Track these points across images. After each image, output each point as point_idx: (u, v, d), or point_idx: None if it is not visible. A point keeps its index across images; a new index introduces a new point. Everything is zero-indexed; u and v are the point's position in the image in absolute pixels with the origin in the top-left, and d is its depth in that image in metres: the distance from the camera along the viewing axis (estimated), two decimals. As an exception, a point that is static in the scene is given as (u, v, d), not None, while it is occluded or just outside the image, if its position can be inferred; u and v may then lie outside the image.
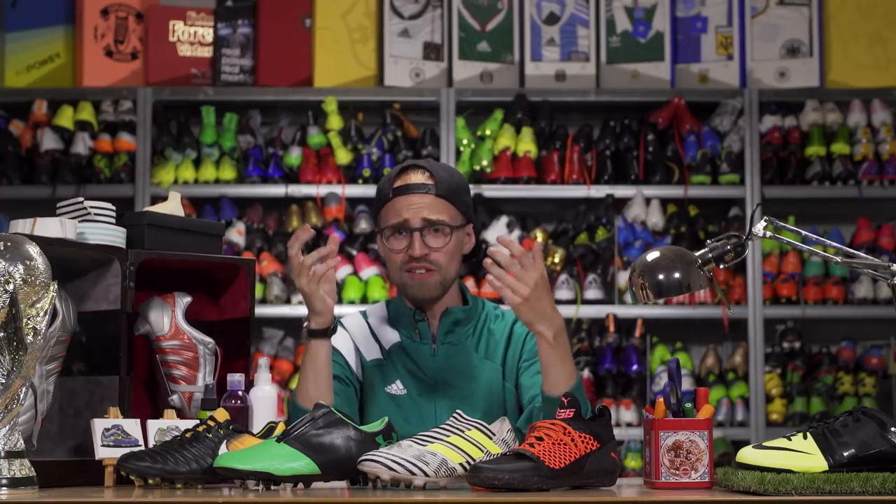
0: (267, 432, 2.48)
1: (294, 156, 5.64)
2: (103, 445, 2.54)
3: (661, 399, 2.44)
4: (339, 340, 3.11)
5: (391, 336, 3.13)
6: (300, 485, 2.37)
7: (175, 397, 2.82)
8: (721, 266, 2.61)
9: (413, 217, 3.03)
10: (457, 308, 3.10)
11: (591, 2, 5.83)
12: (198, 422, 2.55)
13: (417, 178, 3.06)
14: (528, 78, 5.77)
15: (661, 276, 2.60)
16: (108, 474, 2.54)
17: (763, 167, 5.61)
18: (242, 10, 5.79)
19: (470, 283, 5.46)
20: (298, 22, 5.76)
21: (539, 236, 5.68)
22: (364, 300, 5.48)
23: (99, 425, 2.56)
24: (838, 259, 2.59)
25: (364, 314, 3.21)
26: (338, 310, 5.42)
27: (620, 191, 5.65)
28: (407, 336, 3.11)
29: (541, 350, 2.82)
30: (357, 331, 3.16)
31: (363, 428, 2.45)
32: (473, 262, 5.46)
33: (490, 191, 5.60)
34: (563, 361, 2.82)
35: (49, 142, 5.57)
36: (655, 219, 5.62)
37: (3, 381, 2.32)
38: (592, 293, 5.54)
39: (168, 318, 2.83)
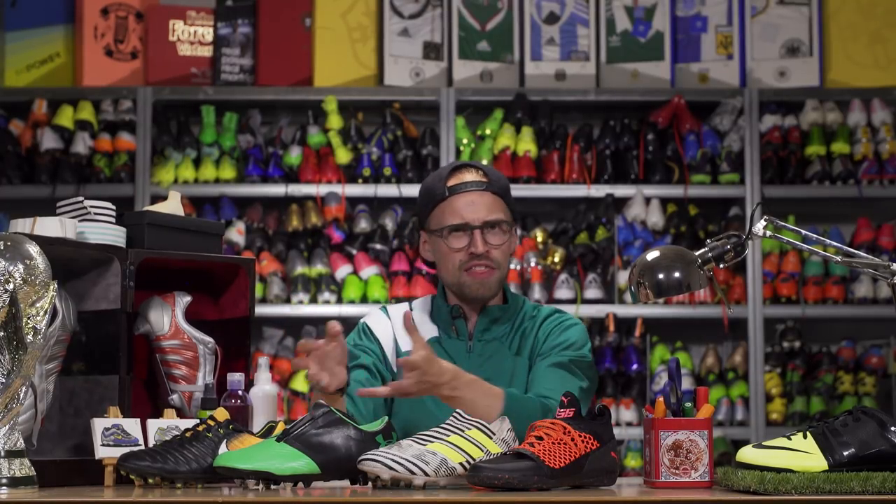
0: (267, 432, 2.48)
1: (294, 155, 5.64)
2: (103, 445, 2.54)
3: (661, 398, 2.44)
4: (380, 328, 3.11)
5: (429, 330, 3.10)
6: (300, 484, 2.37)
7: (175, 397, 2.82)
8: (721, 265, 2.61)
9: (474, 215, 3.03)
10: (494, 306, 3.09)
11: (591, 1, 5.83)
12: (198, 421, 2.55)
13: (472, 176, 3.07)
14: (528, 77, 5.77)
15: (661, 276, 2.60)
16: (108, 474, 2.54)
17: (763, 167, 5.61)
18: (242, 10, 5.79)
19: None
20: (298, 21, 5.76)
21: (539, 236, 5.68)
22: (364, 300, 5.48)
23: (99, 425, 2.55)
24: (838, 259, 2.59)
25: (410, 306, 3.19)
26: (338, 309, 5.48)
27: (620, 190, 5.65)
28: (444, 332, 3.11)
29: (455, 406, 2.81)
30: (399, 321, 3.14)
31: (363, 427, 2.44)
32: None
33: (490, 190, 5.59)
34: (482, 395, 2.79)
35: (49, 141, 5.57)
36: (655, 218, 5.62)
37: (3, 380, 2.32)
38: (592, 293, 5.54)
39: (168, 318, 2.83)
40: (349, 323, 3.33)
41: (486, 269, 3.03)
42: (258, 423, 2.73)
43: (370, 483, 2.38)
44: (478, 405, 2.75)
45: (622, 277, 5.53)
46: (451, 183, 3.06)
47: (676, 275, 2.60)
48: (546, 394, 2.90)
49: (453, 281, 3.07)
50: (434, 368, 2.72)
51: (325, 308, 5.46)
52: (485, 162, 5.61)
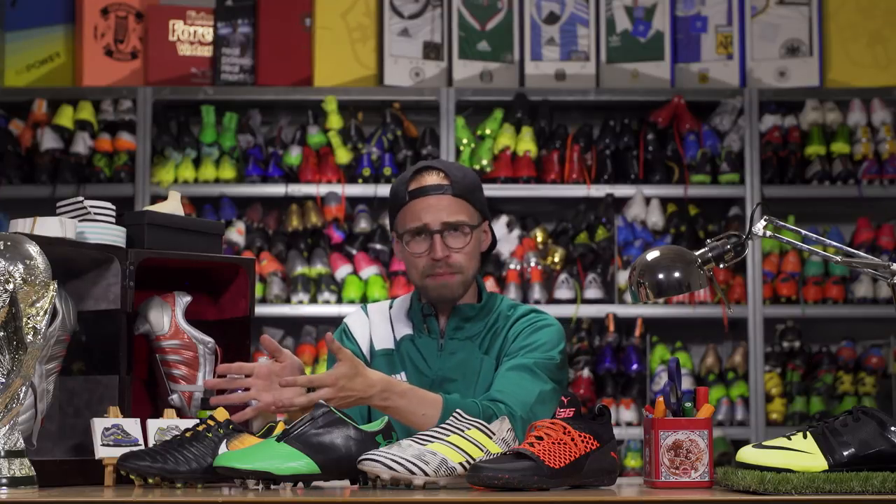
0: (267, 432, 2.48)
1: (294, 155, 5.64)
2: (103, 445, 2.54)
3: (661, 398, 2.44)
4: (358, 327, 3.13)
5: (404, 328, 3.12)
6: (300, 484, 2.37)
7: (175, 397, 2.82)
8: (721, 265, 2.61)
9: (432, 220, 3.02)
10: (466, 305, 3.09)
11: (590, 1, 5.83)
12: (198, 421, 2.55)
13: (433, 179, 3.04)
14: (528, 77, 5.77)
15: (660, 276, 2.60)
16: (107, 474, 2.53)
17: (763, 167, 5.61)
18: (242, 10, 5.79)
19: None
20: (298, 21, 5.76)
21: (539, 236, 5.68)
22: (364, 299, 5.48)
23: (99, 425, 2.55)
24: (838, 259, 2.59)
25: (391, 304, 3.21)
26: (338, 309, 5.48)
27: (620, 190, 5.65)
28: (417, 331, 3.11)
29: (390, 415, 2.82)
30: (377, 318, 3.16)
31: (363, 427, 2.45)
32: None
33: (490, 190, 5.55)
34: (417, 404, 2.79)
35: (49, 141, 5.57)
36: (655, 218, 5.62)
37: (3, 380, 2.32)
38: (592, 292, 5.54)
39: (168, 318, 2.83)
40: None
41: (447, 274, 3.03)
42: (258, 423, 2.73)
43: (370, 483, 2.38)
44: (414, 414, 2.77)
45: (622, 277, 5.53)
46: (411, 187, 3.05)
47: (676, 275, 2.60)
48: (498, 396, 2.89)
49: (417, 284, 3.08)
50: (356, 383, 2.71)
51: (325, 308, 5.46)
52: (484, 162, 5.61)
